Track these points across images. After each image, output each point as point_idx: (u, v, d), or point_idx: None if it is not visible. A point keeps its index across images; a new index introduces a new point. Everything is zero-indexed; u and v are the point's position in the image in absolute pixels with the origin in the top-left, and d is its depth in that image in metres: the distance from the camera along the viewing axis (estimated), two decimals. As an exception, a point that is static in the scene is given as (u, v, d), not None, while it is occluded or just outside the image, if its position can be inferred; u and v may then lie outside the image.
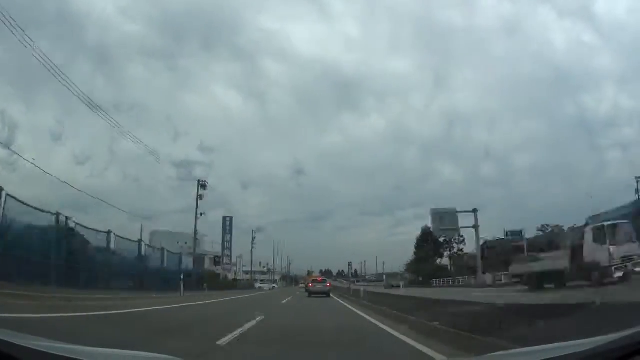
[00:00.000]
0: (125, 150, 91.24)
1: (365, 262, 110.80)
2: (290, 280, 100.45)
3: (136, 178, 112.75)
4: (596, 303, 5.89)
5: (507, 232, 48.38)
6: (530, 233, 44.80)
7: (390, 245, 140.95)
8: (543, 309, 6.73)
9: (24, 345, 1.58)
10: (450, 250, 69.75)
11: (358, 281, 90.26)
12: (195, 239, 41.47)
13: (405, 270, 74.17)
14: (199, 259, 44.68)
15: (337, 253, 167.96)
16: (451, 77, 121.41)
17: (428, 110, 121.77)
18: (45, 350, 1.63)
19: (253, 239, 67.54)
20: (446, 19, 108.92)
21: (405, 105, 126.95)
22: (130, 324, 8.45)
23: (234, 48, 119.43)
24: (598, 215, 26.22)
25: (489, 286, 35.13)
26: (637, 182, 32.75)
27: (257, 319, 9.24)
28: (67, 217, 16.68)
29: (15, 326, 4.00)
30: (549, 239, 34.26)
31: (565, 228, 38.13)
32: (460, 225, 46.69)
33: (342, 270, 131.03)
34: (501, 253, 40.94)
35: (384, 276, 78.09)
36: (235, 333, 6.88)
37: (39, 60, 19.27)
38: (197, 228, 39.74)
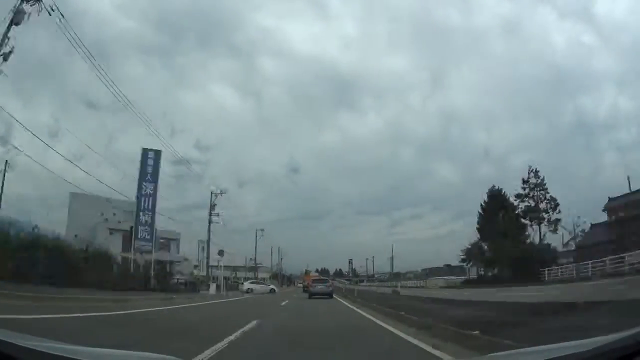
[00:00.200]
0: (124, 149, 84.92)
1: (373, 258, 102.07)
2: (283, 279, 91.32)
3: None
4: None
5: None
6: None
7: (389, 245, 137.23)
8: None
9: (23, 345, 1.60)
10: (537, 222, 46.72)
11: (361, 281, 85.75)
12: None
13: (465, 257, 52.88)
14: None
15: (334, 252, 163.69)
16: (449, 77, 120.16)
17: (425, 109, 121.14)
18: (45, 351, 1.65)
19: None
20: (445, 18, 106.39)
21: (402, 104, 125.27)
22: None
23: (230, 45, 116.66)
24: None
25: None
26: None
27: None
28: None
29: None
30: None
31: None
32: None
33: (340, 269, 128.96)
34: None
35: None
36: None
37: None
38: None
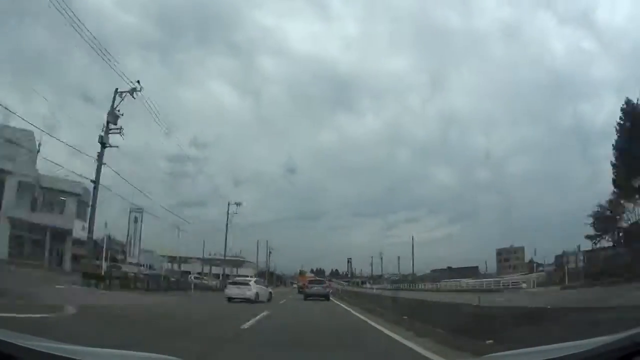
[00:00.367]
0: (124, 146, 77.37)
1: (372, 258, 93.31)
2: (271, 277, 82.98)
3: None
4: None
5: None
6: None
7: (385, 247, 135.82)
8: None
9: (23, 345, 1.60)
10: None
11: (363, 282, 79.37)
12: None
13: (596, 226, 37.08)
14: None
15: (329, 253, 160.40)
16: (449, 80, 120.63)
17: (424, 112, 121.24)
18: (45, 351, 1.65)
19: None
20: (445, 21, 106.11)
21: (401, 106, 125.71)
22: None
23: (230, 43, 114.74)
24: None
25: None
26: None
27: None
28: None
29: None
30: None
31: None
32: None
33: (336, 269, 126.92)
34: None
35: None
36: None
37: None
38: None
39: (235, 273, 54.92)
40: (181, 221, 41.91)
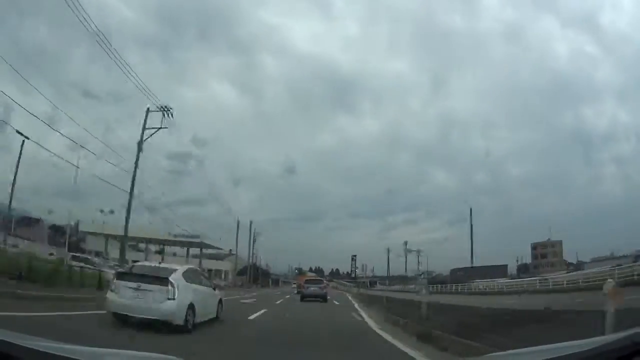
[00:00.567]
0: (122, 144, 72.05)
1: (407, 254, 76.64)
2: (256, 273, 69.44)
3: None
4: None
5: None
6: None
7: (383, 248, 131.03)
8: None
9: (23, 345, 1.59)
10: None
11: (373, 283, 69.45)
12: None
13: None
14: None
15: (329, 253, 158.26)
16: (449, 82, 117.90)
17: (424, 114, 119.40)
18: (45, 350, 1.64)
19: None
20: (447, 22, 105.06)
21: (401, 107, 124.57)
22: None
23: (231, 41, 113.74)
24: None
25: None
26: None
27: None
28: None
29: None
30: None
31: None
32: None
33: (336, 269, 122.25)
34: None
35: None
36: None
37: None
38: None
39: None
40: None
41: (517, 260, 61.52)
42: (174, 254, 60.56)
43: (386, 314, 13.18)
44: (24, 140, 25.67)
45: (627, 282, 19.64)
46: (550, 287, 31.93)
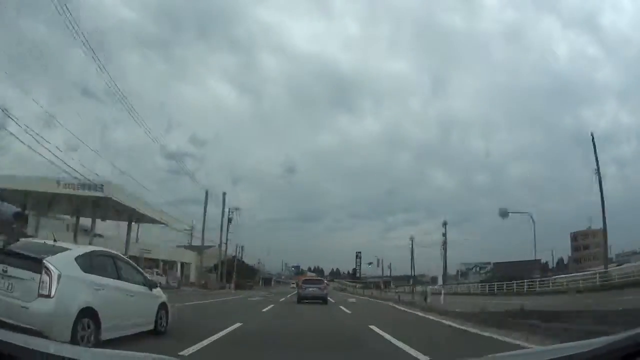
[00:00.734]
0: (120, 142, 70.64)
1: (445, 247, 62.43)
2: (230, 266, 49.93)
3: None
4: None
5: None
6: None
7: (383, 249, 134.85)
8: None
9: (23, 345, 1.60)
10: None
11: (387, 284, 59.58)
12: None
13: None
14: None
15: (327, 253, 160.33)
16: (449, 82, 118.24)
17: (424, 114, 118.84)
18: (44, 351, 1.63)
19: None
20: (447, 23, 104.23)
21: (401, 108, 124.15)
22: None
23: (230, 40, 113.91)
24: None
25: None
26: None
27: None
28: None
29: None
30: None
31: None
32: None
33: (337, 269, 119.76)
34: None
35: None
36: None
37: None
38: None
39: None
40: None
41: (553, 254, 52.96)
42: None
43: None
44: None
45: None
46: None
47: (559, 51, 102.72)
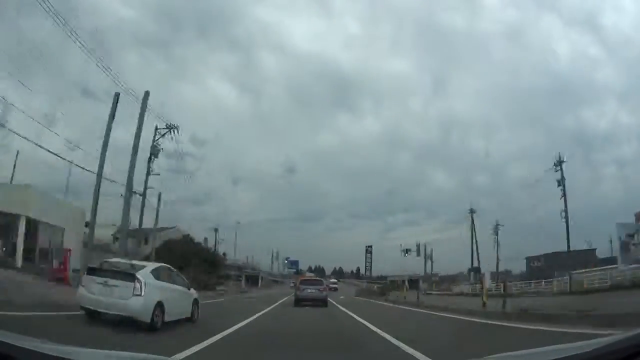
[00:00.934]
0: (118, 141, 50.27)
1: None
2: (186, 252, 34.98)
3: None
4: None
5: None
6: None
7: (386, 249, 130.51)
8: None
9: (22, 346, 1.60)
10: None
11: (411, 281, 42.63)
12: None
13: None
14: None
15: (327, 253, 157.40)
16: (450, 82, 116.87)
17: (424, 114, 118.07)
18: (43, 351, 1.65)
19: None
20: (448, 22, 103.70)
21: (401, 108, 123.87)
22: None
23: (229, 39, 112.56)
24: None
25: None
26: None
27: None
28: None
29: None
30: None
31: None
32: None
33: (339, 267, 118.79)
34: None
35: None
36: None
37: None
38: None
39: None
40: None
41: (611, 242, 40.56)
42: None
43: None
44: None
45: None
46: None
47: (559, 51, 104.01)
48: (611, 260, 36.59)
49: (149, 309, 8.24)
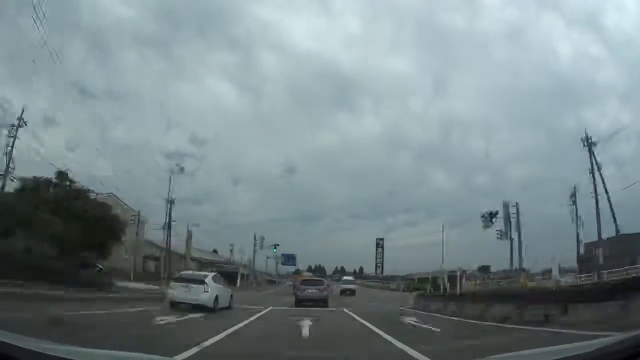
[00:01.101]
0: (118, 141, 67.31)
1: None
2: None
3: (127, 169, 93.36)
4: None
5: None
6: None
7: (386, 249, 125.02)
8: None
9: (22, 346, 1.60)
10: None
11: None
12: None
13: None
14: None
15: (328, 253, 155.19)
16: (450, 82, 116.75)
17: (424, 114, 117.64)
18: (43, 352, 1.65)
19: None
20: (448, 22, 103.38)
21: (401, 108, 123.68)
22: None
23: (229, 38, 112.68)
24: None
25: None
26: None
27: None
28: None
29: None
30: None
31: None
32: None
33: (342, 267, 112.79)
34: None
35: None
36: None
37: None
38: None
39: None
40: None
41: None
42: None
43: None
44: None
45: None
46: None
47: (560, 51, 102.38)
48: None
49: (212, 300, 14.68)
